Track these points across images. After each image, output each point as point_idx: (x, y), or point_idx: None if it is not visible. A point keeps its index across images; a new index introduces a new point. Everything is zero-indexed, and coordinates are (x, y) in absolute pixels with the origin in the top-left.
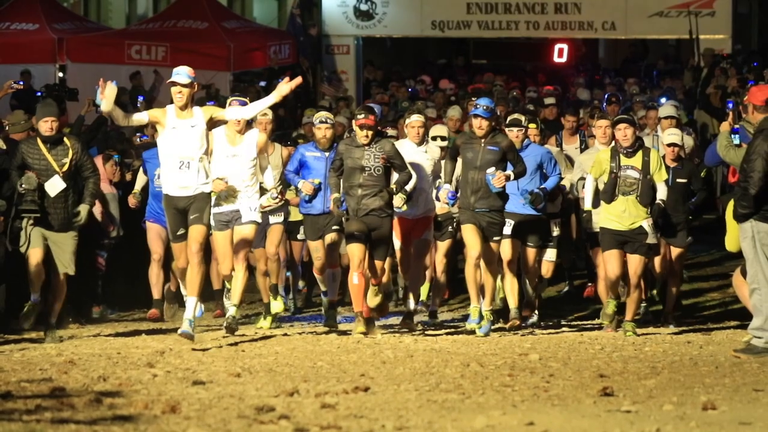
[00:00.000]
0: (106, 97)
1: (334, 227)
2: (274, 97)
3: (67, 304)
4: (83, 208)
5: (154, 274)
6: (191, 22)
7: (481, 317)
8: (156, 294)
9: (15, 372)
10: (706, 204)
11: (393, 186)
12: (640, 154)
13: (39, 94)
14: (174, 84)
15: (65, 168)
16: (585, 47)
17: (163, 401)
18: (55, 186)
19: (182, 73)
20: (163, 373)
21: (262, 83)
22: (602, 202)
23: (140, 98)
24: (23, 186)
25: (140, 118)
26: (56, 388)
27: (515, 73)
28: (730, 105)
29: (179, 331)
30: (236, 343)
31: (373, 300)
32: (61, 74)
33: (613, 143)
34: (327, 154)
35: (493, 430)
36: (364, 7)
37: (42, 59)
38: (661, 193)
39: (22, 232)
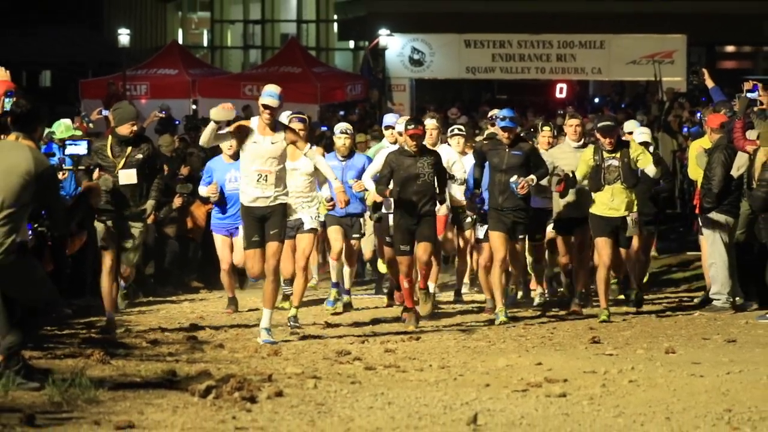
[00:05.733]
0: (219, 113)
1: (355, 235)
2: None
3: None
4: (149, 205)
5: (225, 280)
6: (289, 67)
7: (506, 315)
8: (230, 294)
9: (160, 325)
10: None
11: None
12: (619, 150)
13: (177, 122)
14: (266, 107)
15: (121, 165)
16: (579, 86)
17: (268, 347)
18: (129, 176)
19: (274, 96)
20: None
21: (342, 112)
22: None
23: None
24: (101, 186)
25: (224, 135)
26: (190, 337)
27: (516, 106)
28: (685, 129)
29: (261, 341)
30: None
31: (425, 307)
32: (194, 107)
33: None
34: (344, 162)
35: (511, 368)
36: (416, 57)
37: (179, 95)
38: (650, 172)
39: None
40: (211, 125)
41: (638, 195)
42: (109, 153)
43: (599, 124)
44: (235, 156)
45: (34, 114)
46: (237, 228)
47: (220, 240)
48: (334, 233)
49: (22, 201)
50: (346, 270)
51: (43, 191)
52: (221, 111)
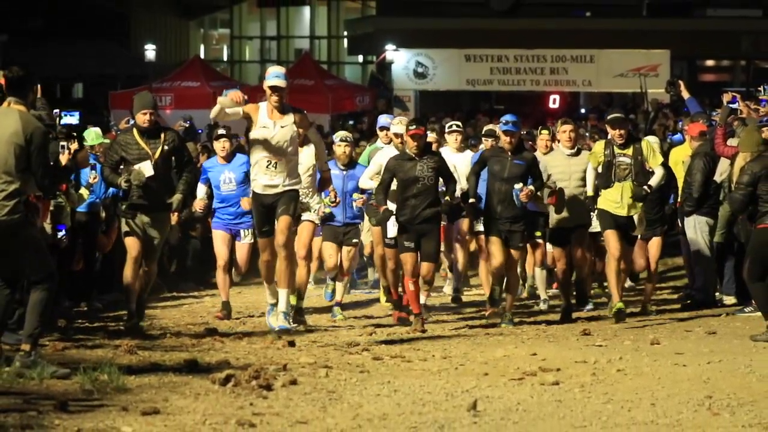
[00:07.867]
0: (227, 104)
1: (354, 240)
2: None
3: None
4: (176, 199)
5: (221, 279)
6: (303, 80)
7: (510, 321)
8: (224, 297)
9: (183, 318)
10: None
11: (447, 197)
12: (631, 146)
13: (199, 131)
14: (275, 89)
15: (157, 155)
16: (570, 97)
17: (284, 339)
18: (145, 169)
19: (281, 76)
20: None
21: (351, 121)
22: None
23: None
24: (134, 182)
25: (236, 110)
26: (211, 330)
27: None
28: (669, 136)
29: (277, 328)
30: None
31: (415, 328)
32: None
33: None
34: (345, 171)
35: (508, 358)
36: (420, 70)
37: (201, 106)
38: (654, 179)
39: (124, 223)
40: (218, 103)
41: (646, 202)
42: (142, 143)
43: (609, 116)
44: (228, 157)
45: (26, 79)
46: (239, 230)
47: (219, 236)
48: (329, 249)
49: (20, 163)
50: (339, 285)
51: (30, 151)
52: (229, 102)
